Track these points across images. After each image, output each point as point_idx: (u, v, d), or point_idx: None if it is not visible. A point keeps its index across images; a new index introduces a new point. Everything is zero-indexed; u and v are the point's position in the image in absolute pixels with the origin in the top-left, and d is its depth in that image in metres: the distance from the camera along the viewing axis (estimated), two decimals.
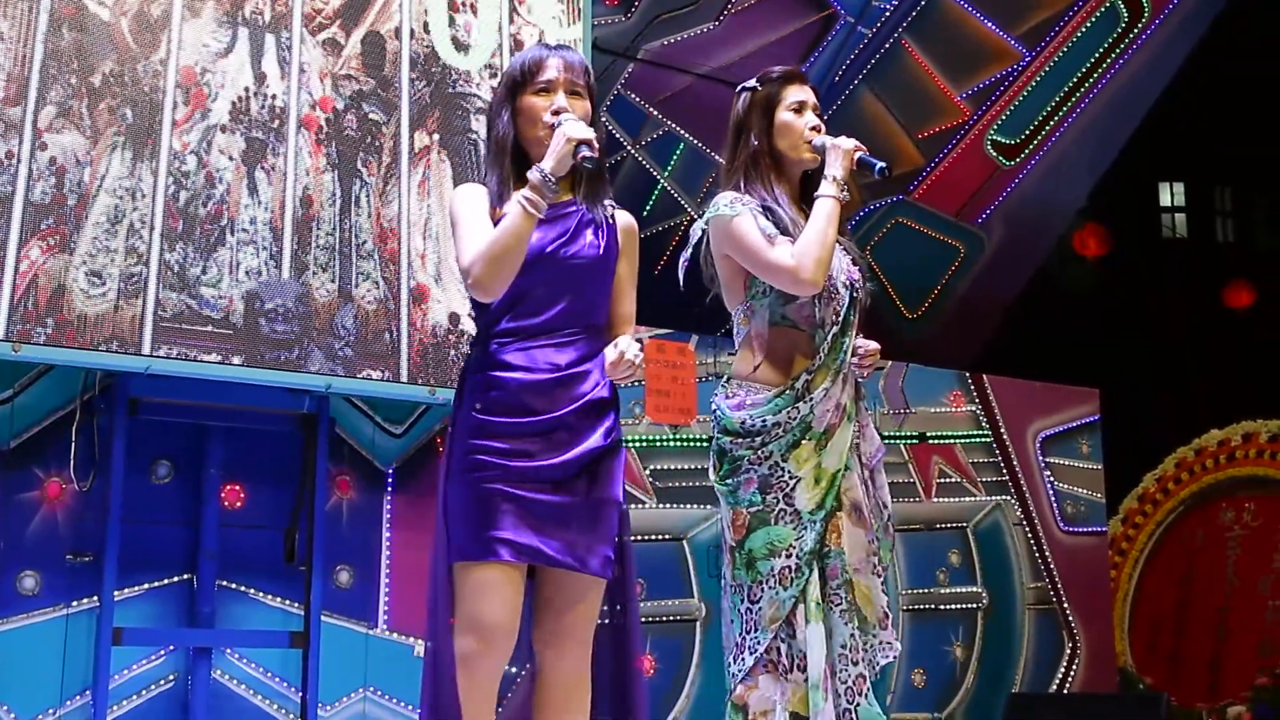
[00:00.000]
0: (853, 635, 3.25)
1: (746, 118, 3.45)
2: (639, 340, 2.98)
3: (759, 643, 3.20)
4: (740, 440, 3.27)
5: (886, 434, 7.26)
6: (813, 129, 3.40)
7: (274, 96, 4.66)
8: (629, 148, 7.41)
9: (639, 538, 6.17)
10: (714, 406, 3.36)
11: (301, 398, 4.75)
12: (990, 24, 8.17)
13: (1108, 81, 8.49)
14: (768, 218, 3.29)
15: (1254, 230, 12.19)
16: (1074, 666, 7.94)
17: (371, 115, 4.88)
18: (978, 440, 7.73)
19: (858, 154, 3.35)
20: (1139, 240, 11.10)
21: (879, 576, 3.31)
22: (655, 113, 7.44)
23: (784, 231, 3.27)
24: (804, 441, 3.24)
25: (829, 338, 3.29)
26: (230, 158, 4.55)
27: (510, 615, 2.84)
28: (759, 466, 3.25)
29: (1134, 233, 10.96)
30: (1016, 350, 8.89)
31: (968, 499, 7.61)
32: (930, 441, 7.50)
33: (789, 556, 3.20)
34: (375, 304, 4.77)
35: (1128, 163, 9.25)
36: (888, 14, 7.95)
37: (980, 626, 7.52)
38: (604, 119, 7.24)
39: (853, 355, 3.33)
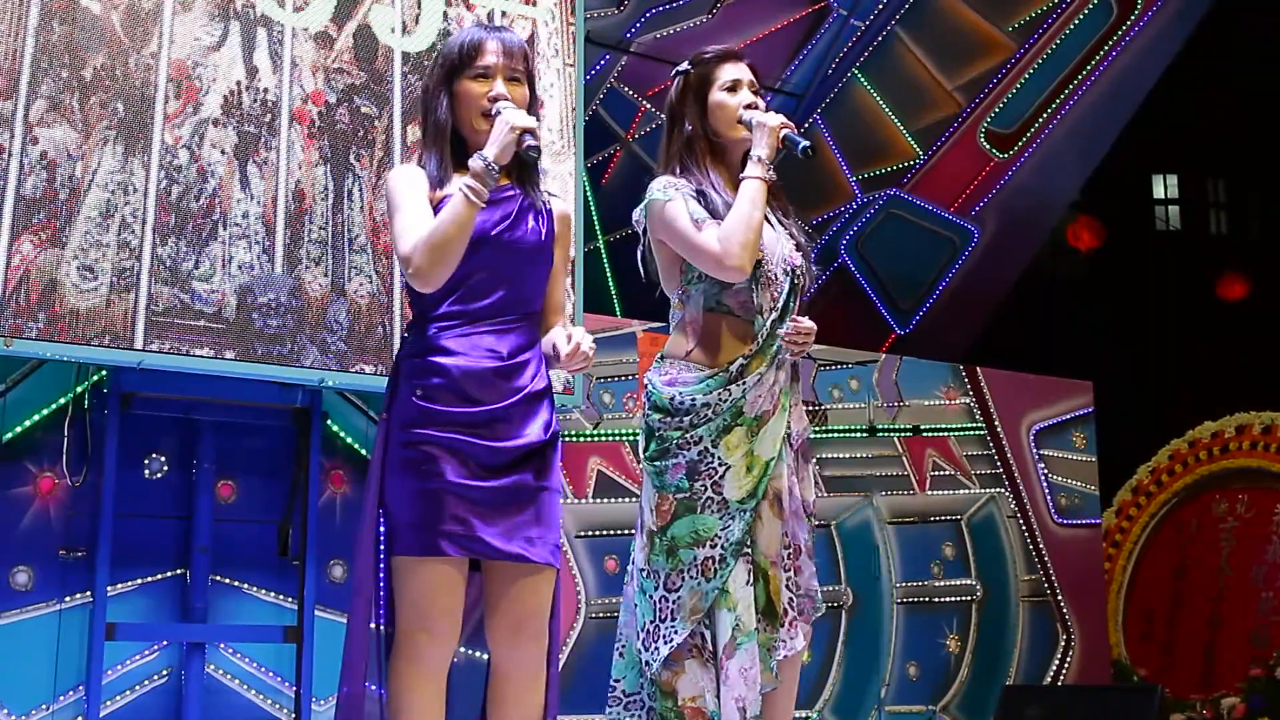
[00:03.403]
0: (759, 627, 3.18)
1: (680, 101, 3.40)
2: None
3: (675, 632, 3.13)
4: (669, 419, 3.19)
5: (880, 427, 7.27)
6: (747, 106, 3.32)
7: (266, 90, 4.65)
8: (622, 141, 7.40)
9: (628, 531, 6.16)
10: (646, 382, 3.30)
11: (294, 392, 4.74)
12: (983, 16, 8.17)
13: (1101, 73, 8.49)
14: (700, 202, 3.23)
15: (1247, 222, 12.21)
16: (1068, 658, 7.95)
17: (364, 109, 4.87)
18: (971, 433, 7.73)
19: (784, 132, 3.26)
20: (1132, 232, 11.12)
21: (789, 571, 3.23)
22: (648, 106, 7.44)
23: (715, 215, 3.21)
24: (735, 427, 3.17)
25: (767, 324, 3.23)
26: (222, 152, 4.54)
27: (456, 606, 2.82)
28: (687, 451, 3.18)
29: (1127, 225, 10.97)
30: (1010, 343, 8.90)
31: (962, 492, 7.62)
32: (924, 434, 7.50)
33: (713, 547, 3.14)
34: (368, 298, 4.76)
35: (1121, 155, 9.26)
36: (881, 6, 7.96)
37: (974, 619, 7.53)
38: (597, 111, 7.25)
39: (784, 339, 3.24)
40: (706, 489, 3.16)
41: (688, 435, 3.18)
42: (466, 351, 2.85)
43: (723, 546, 3.14)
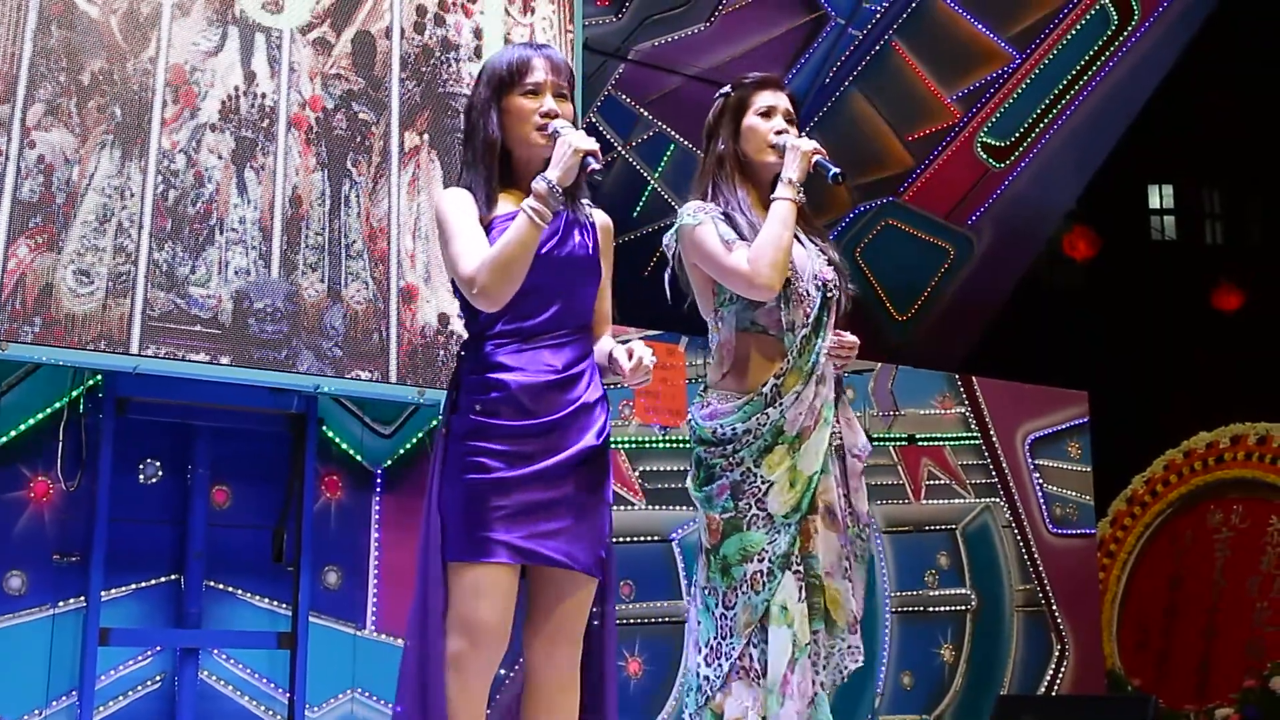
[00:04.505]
0: (814, 639, 3.25)
1: (717, 122, 3.49)
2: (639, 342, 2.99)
3: (733, 648, 3.21)
4: (714, 449, 3.29)
5: (875, 436, 7.27)
6: (778, 133, 3.40)
7: (264, 95, 4.65)
8: (619, 149, 7.40)
9: (628, 539, 6.16)
10: (689, 417, 3.39)
11: (290, 398, 4.74)
12: (981, 26, 8.18)
13: (1098, 84, 8.50)
14: (728, 224, 3.31)
15: (1243, 232, 12.23)
16: (1062, 668, 7.94)
17: (361, 115, 4.87)
18: (967, 442, 7.73)
19: (815, 157, 3.34)
20: (1128, 242, 11.13)
21: (849, 581, 3.31)
22: (646, 113, 7.44)
23: (743, 237, 3.29)
24: (777, 446, 3.25)
25: (799, 340, 3.29)
26: (219, 157, 4.54)
27: (503, 616, 2.84)
28: (731, 472, 3.27)
29: (1123, 235, 10.98)
30: (1005, 352, 8.90)
31: (957, 501, 7.61)
32: (919, 443, 7.50)
33: (761, 561, 3.21)
34: (364, 304, 4.76)
35: (1117, 165, 9.27)
36: (878, 16, 7.95)
37: (969, 628, 7.52)
38: (595, 120, 7.25)
39: (827, 352, 3.32)
40: (751, 506, 3.24)
41: (731, 459, 3.27)
42: (524, 366, 2.90)
43: (770, 560, 3.21)
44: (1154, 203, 12.43)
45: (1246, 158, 11.03)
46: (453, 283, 3.01)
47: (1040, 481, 8.01)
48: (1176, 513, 9.34)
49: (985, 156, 8.53)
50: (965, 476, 7.67)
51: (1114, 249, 10.48)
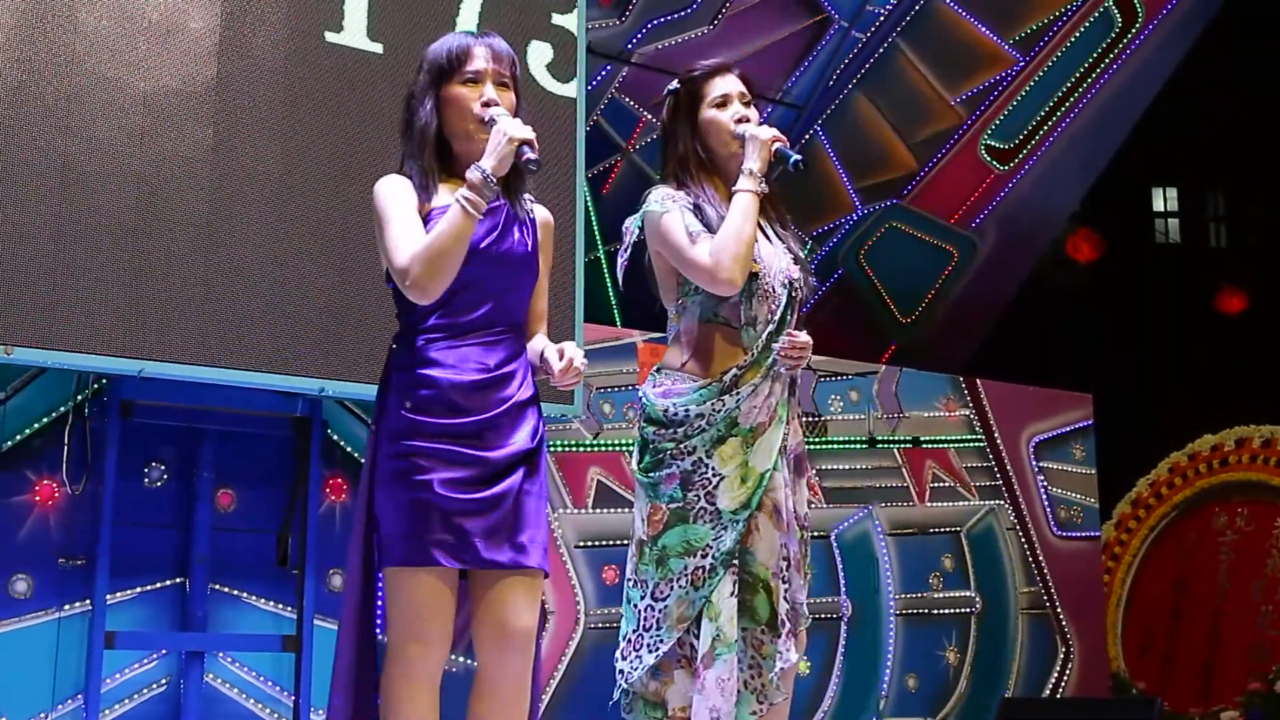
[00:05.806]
0: (743, 637, 3.18)
1: (672, 119, 3.39)
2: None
3: (661, 640, 3.14)
4: (663, 431, 3.22)
5: (880, 438, 7.27)
6: (738, 120, 3.31)
7: None
8: (623, 151, 7.40)
9: (628, 541, 6.16)
10: (640, 395, 3.32)
11: (295, 401, 4.74)
12: (984, 29, 8.18)
13: (1101, 86, 8.50)
14: (696, 215, 3.24)
15: (1247, 235, 12.21)
16: (1067, 671, 7.94)
17: None
18: (971, 445, 7.73)
19: (776, 145, 3.25)
20: (1132, 245, 11.12)
21: (786, 583, 3.23)
22: (649, 116, 7.44)
23: (710, 229, 3.21)
24: (730, 438, 3.19)
25: (762, 336, 3.24)
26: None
27: (447, 617, 2.81)
28: (681, 461, 3.20)
29: (1127, 237, 10.97)
30: (1010, 354, 8.90)
31: (961, 503, 7.61)
32: (924, 446, 7.50)
33: (704, 556, 3.15)
34: (369, 307, 4.74)
35: (1121, 167, 9.27)
36: (882, 19, 7.96)
37: (973, 631, 7.52)
38: (598, 121, 7.26)
39: (780, 353, 3.24)
40: (700, 499, 3.18)
41: (681, 446, 3.20)
42: (454, 364, 2.84)
43: (714, 556, 3.15)
44: (1158, 205, 12.42)
45: (1250, 160, 11.03)
46: (387, 272, 2.92)
47: (1045, 484, 8.01)
48: (1181, 515, 9.33)
49: (989, 159, 8.54)
50: (969, 479, 7.67)
51: (1118, 251, 10.47)
